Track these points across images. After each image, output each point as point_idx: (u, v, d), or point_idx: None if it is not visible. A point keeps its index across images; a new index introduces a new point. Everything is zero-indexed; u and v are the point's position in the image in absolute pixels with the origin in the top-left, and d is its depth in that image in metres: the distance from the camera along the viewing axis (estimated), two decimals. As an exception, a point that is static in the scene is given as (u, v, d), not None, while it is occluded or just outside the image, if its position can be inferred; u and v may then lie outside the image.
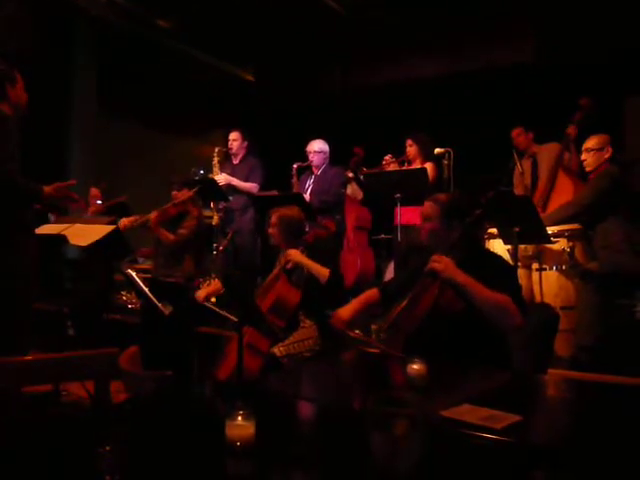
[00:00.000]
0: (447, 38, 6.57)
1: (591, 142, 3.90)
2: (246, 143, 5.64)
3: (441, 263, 2.34)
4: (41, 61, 6.17)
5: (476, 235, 2.62)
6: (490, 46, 6.35)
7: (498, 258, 2.65)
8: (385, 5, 6.45)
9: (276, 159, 7.54)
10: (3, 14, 5.46)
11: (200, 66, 7.77)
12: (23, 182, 2.85)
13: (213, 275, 5.13)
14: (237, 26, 7.07)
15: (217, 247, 5.45)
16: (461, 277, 2.29)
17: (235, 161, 5.63)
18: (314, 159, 5.16)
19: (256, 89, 8.40)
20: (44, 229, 3.82)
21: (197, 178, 5.35)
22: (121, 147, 7.04)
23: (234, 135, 5.56)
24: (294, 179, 5.36)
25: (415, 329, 2.32)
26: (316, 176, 5.21)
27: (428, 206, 2.58)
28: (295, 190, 5.23)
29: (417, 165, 4.68)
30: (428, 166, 4.52)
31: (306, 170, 5.36)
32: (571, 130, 4.42)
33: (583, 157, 3.88)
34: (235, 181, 5.43)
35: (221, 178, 5.39)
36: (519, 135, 4.79)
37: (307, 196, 5.07)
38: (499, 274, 2.40)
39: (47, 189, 2.92)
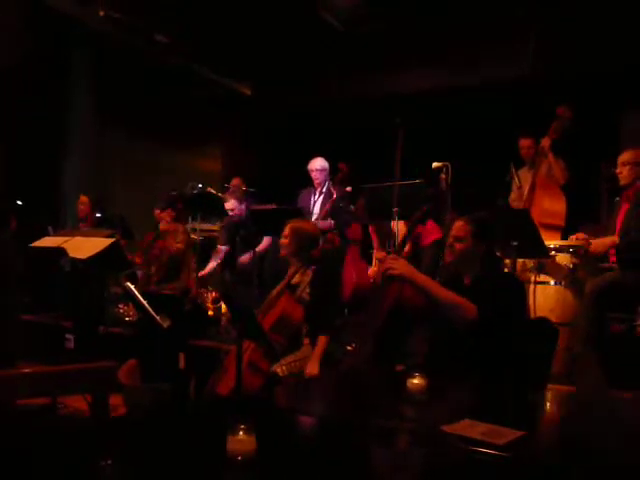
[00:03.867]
0: (445, 51, 6.61)
1: (627, 156, 3.87)
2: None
3: (397, 266, 2.42)
4: (40, 75, 6.20)
5: (494, 253, 2.68)
6: (488, 59, 6.40)
7: (511, 278, 2.68)
8: (383, 19, 6.50)
9: (274, 172, 7.58)
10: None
11: (197, 80, 7.81)
12: None
13: (210, 288, 5.14)
14: (235, 40, 7.12)
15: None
16: (418, 277, 2.41)
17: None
18: (317, 177, 5.18)
19: (253, 102, 8.44)
20: (43, 242, 3.83)
21: (195, 192, 5.37)
22: (119, 161, 7.07)
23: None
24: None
25: (383, 328, 2.41)
26: (321, 193, 5.22)
27: (461, 227, 2.58)
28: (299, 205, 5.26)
29: None
30: None
31: (306, 186, 5.37)
32: (544, 141, 4.53)
33: (618, 170, 3.86)
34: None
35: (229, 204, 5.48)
36: (530, 148, 4.83)
37: (315, 213, 5.08)
38: (505, 291, 2.44)
39: None
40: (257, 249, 5.38)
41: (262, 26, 6.78)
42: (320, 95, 7.77)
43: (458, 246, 2.56)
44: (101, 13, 6.73)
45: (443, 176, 4.43)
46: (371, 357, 2.43)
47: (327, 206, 5.08)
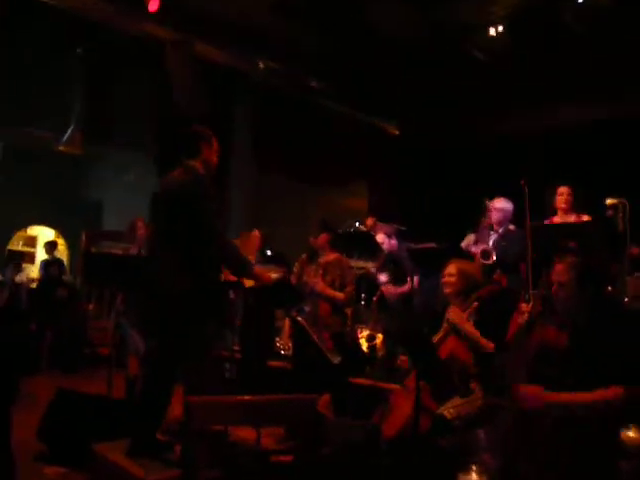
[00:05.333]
0: (608, 80, 6.26)
1: None
2: None
3: None
4: (206, 123, 6.77)
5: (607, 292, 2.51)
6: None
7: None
8: (537, 50, 6.29)
9: (419, 210, 7.56)
10: (181, 84, 6.05)
11: (346, 120, 8.07)
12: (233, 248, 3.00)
13: (367, 325, 5.15)
14: (382, 80, 7.30)
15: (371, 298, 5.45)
16: None
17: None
18: (494, 216, 5.03)
19: (400, 141, 8.53)
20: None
21: (352, 230, 5.48)
22: (276, 198, 7.51)
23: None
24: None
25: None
26: (498, 234, 5.06)
27: (563, 271, 2.44)
28: (474, 241, 5.14)
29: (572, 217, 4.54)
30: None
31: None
32: None
33: None
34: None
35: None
36: None
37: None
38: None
39: (258, 269, 3.12)
40: (402, 290, 5.37)
41: (408, 66, 6.90)
42: (467, 131, 7.68)
43: (561, 293, 2.40)
44: (261, 65, 7.26)
45: (620, 214, 4.13)
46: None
47: (488, 244, 4.90)
